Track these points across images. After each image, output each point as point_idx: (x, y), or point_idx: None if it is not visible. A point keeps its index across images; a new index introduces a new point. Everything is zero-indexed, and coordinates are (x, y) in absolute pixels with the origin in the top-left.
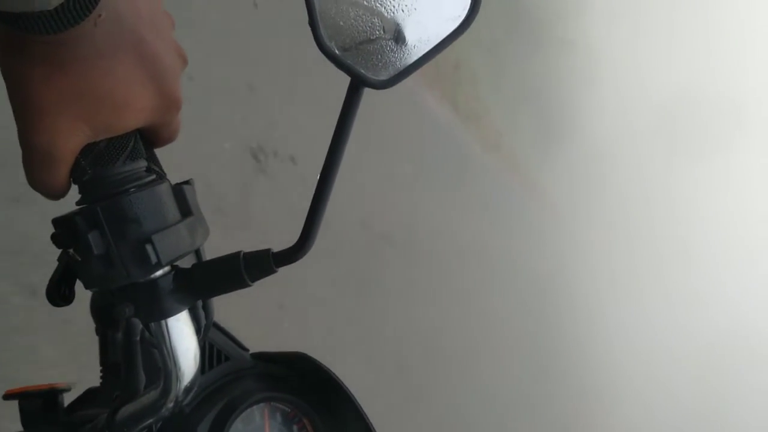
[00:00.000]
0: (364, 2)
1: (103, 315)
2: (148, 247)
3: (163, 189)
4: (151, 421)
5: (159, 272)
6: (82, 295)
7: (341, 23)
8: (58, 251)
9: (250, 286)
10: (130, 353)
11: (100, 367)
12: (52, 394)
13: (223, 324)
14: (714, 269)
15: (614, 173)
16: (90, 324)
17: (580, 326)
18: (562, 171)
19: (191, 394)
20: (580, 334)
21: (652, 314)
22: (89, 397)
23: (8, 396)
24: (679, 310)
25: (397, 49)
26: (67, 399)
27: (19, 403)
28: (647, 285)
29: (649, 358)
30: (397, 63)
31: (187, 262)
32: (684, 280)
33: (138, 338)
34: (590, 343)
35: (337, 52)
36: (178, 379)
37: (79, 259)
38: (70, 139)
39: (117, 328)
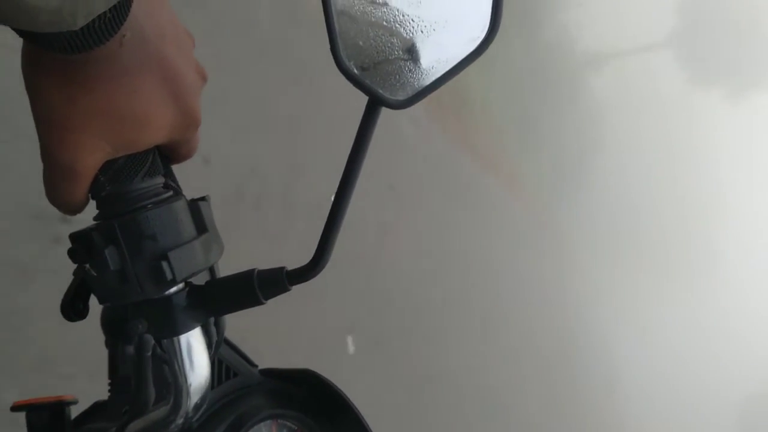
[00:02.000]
0: (384, 22)
1: (114, 328)
2: (164, 264)
3: (180, 205)
4: None
5: (173, 289)
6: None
7: (360, 43)
8: (74, 266)
9: (263, 304)
10: (142, 368)
11: (108, 381)
12: (59, 407)
13: (232, 339)
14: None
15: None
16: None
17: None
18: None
19: (200, 411)
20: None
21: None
22: (96, 410)
23: (16, 408)
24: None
25: (415, 70)
26: (74, 411)
27: (27, 416)
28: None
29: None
30: (415, 83)
31: (200, 279)
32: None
33: (150, 354)
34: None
35: (355, 71)
36: (188, 395)
37: (95, 274)
38: (91, 156)
39: (128, 341)
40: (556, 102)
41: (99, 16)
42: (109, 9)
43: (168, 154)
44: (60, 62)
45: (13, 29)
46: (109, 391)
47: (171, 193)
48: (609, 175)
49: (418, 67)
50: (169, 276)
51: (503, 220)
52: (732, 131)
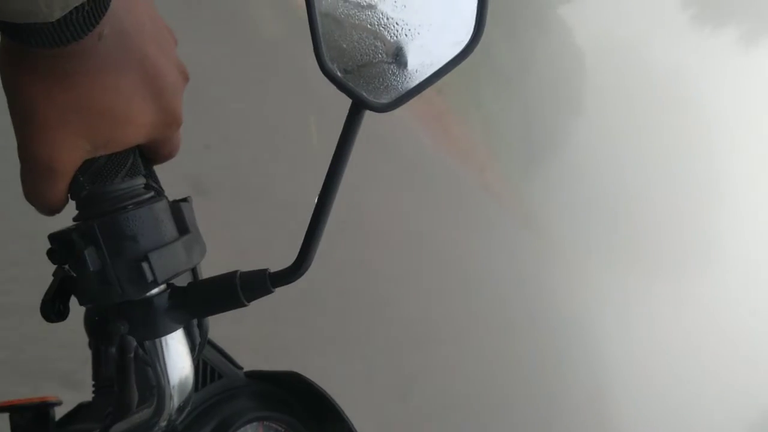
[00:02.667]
0: (368, 25)
1: (97, 330)
2: (144, 265)
3: (161, 206)
4: None
5: (154, 290)
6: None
7: (344, 45)
8: (54, 267)
9: (246, 306)
10: (124, 370)
11: (93, 382)
12: (43, 408)
13: (217, 341)
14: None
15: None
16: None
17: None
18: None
19: (184, 413)
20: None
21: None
22: (81, 412)
23: None
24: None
25: (399, 73)
26: (59, 413)
27: (10, 417)
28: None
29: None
30: (399, 87)
31: (183, 280)
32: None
33: (132, 355)
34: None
35: (338, 74)
36: (171, 397)
37: (75, 275)
38: (70, 154)
39: (111, 343)
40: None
41: (77, 9)
42: (87, 2)
43: (149, 155)
44: (37, 57)
45: None
46: (93, 392)
47: (152, 193)
48: (597, 165)
49: (403, 70)
50: (149, 277)
51: (484, 218)
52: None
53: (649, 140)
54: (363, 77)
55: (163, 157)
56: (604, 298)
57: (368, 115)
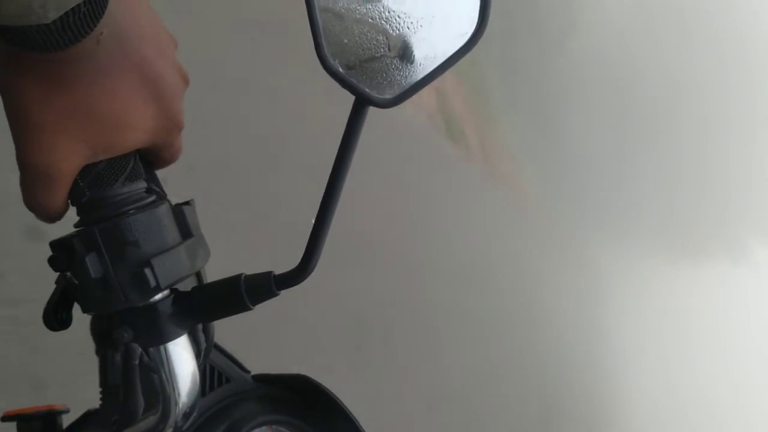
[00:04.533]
0: (369, 19)
1: (101, 337)
2: (147, 271)
3: (163, 210)
4: None
5: (158, 296)
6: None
7: (345, 41)
8: (56, 274)
9: (251, 309)
10: (129, 377)
11: (100, 389)
12: (50, 416)
13: (224, 345)
14: None
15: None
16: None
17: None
18: None
19: (191, 419)
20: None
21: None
22: (88, 419)
23: (6, 418)
24: None
25: (402, 67)
26: (66, 421)
27: (17, 425)
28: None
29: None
30: (403, 81)
31: (187, 285)
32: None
33: (137, 362)
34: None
35: (341, 70)
36: (176, 404)
37: (77, 283)
38: (69, 160)
39: (117, 349)
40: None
41: (73, 11)
42: (84, 3)
43: (150, 159)
44: (35, 61)
45: None
46: (101, 399)
47: (154, 197)
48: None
49: (406, 64)
50: (152, 283)
51: (491, 212)
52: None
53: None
54: (366, 73)
55: (165, 161)
56: (624, 291)
57: (372, 111)
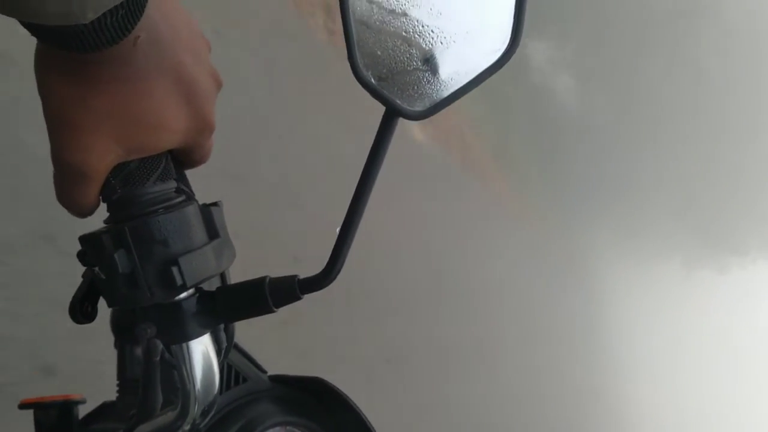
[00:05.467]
0: (403, 33)
1: (123, 331)
2: (174, 270)
3: (192, 211)
4: None
5: (183, 294)
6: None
7: (378, 53)
8: (83, 268)
9: (274, 312)
10: (150, 373)
11: (117, 382)
12: (66, 406)
13: (242, 344)
14: None
15: None
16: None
17: None
18: None
19: (209, 416)
20: None
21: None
22: (104, 411)
23: (24, 405)
24: None
25: (433, 81)
26: (82, 411)
27: (34, 414)
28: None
29: None
30: (433, 95)
31: (211, 284)
32: None
33: (158, 359)
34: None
35: (373, 81)
36: (196, 401)
37: (104, 278)
38: (103, 159)
39: (137, 344)
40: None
41: (111, 13)
42: (122, 5)
43: (181, 159)
44: (73, 62)
45: (24, 25)
46: (117, 392)
47: (183, 197)
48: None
49: (437, 78)
50: (179, 281)
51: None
52: None
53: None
54: (397, 85)
55: (195, 162)
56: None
57: (401, 122)
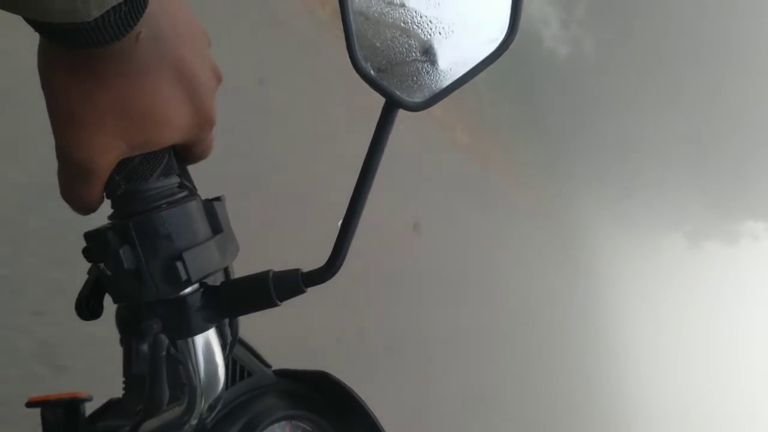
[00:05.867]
0: (401, 24)
1: (129, 327)
2: (179, 265)
3: (195, 206)
4: None
5: (188, 289)
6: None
7: (377, 44)
8: (89, 264)
9: (278, 305)
10: (156, 368)
11: (123, 379)
12: (73, 404)
13: (247, 339)
14: None
15: None
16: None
17: None
18: None
19: (215, 411)
20: None
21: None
22: (111, 408)
23: (31, 404)
24: None
25: (432, 71)
26: (89, 409)
27: (41, 412)
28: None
29: None
30: (433, 85)
31: (215, 279)
32: None
33: (164, 354)
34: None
35: (372, 73)
36: (202, 396)
37: (109, 274)
38: (107, 155)
39: (143, 340)
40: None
41: (114, 10)
42: (125, 2)
43: (183, 154)
44: (76, 58)
45: (28, 22)
46: (124, 389)
47: (186, 193)
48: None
49: (436, 68)
50: (183, 276)
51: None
52: None
53: None
54: (396, 76)
55: (197, 157)
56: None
57: (401, 113)
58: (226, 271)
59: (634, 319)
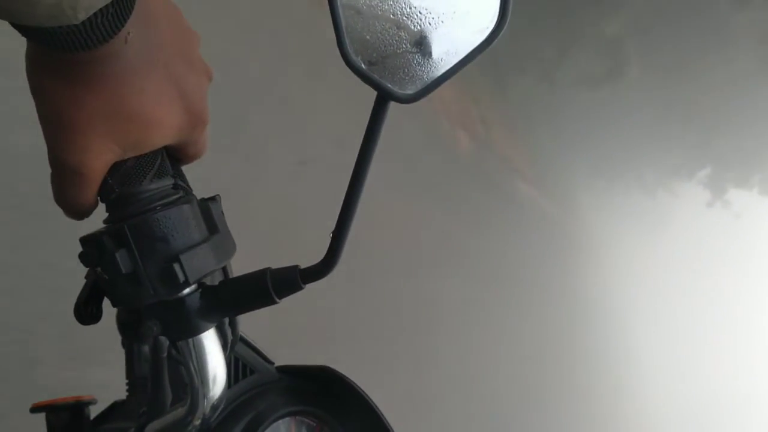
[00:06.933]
0: (391, 15)
1: (129, 330)
2: (176, 266)
3: (190, 206)
4: None
5: (186, 290)
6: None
7: (367, 37)
8: (86, 270)
9: (277, 303)
10: (158, 370)
11: (126, 381)
12: (78, 407)
13: (248, 337)
14: None
15: None
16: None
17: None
18: None
19: (218, 411)
20: None
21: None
22: (115, 410)
23: (35, 409)
24: None
25: (423, 63)
26: (93, 412)
27: (46, 416)
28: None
29: None
30: (424, 76)
31: (213, 279)
32: None
33: (165, 355)
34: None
35: (363, 66)
36: (205, 396)
37: (107, 278)
38: (100, 158)
39: (144, 342)
40: None
41: (101, 12)
42: (112, 4)
43: (176, 155)
44: (64, 62)
45: (15, 26)
46: (127, 391)
47: (181, 194)
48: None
49: (427, 59)
50: (181, 278)
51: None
52: None
53: None
54: (387, 68)
55: (190, 157)
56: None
57: (393, 106)
58: (224, 271)
59: (636, 309)
